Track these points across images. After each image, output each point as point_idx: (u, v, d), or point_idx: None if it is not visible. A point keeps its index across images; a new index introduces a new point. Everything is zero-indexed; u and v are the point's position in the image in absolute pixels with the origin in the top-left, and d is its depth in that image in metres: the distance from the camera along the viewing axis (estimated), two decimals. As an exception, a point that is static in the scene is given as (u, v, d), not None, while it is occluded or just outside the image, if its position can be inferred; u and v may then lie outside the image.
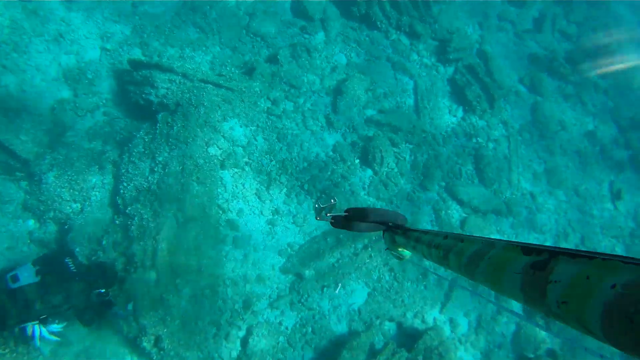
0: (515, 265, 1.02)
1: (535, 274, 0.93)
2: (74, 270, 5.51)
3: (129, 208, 7.18)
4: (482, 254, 1.20)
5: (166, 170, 7.53)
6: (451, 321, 8.39)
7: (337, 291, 6.95)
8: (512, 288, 1.01)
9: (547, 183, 10.70)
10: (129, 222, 7.09)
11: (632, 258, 0.76)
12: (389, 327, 7.91)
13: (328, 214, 2.22)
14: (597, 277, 0.77)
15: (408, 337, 7.87)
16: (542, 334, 8.80)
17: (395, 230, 2.06)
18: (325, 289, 7.75)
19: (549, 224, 10.19)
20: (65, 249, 6.29)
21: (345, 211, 2.18)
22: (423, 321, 8.17)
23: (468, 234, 8.98)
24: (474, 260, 1.23)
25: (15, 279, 5.19)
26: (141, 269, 6.82)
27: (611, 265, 0.77)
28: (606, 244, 10.52)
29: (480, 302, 8.70)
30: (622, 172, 11.88)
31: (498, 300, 7.86)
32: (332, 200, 2.24)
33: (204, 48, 9.34)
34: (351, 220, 2.14)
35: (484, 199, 9.50)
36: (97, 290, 5.71)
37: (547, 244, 9.74)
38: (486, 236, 8.48)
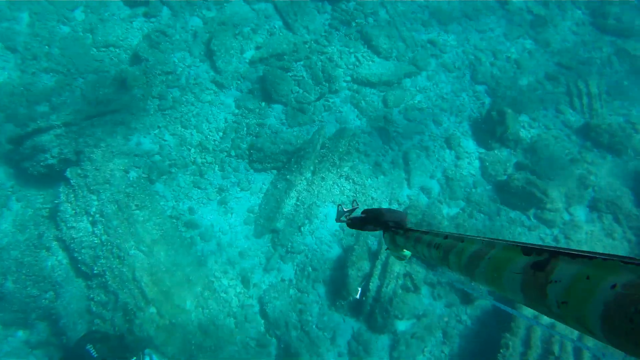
0: (515, 266, 1.03)
1: (535, 274, 0.94)
2: (96, 355, 5.72)
3: (95, 268, 7.27)
4: (482, 254, 1.22)
5: (105, 215, 7.56)
6: (422, 189, 8.84)
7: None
8: (512, 288, 1.02)
9: (438, 24, 10.90)
10: (104, 280, 7.22)
11: (632, 258, 0.77)
12: (373, 225, 8.33)
13: (347, 217, 2.24)
14: (597, 277, 0.78)
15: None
16: (505, 153, 9.30)
17: (395, 231, 2.09)
18: (302, 228, 8.09)
19: (459, 58, 10.50)
20: (82, 339, 6.37)
21: (362, 212, 2.22)
22: (399, 203, 8.63)
23: (399, 117, 9.29)
24: (474, 261, 1.25)
25: None
26: (140, 312, 7.05)
27: (611, 265, 0.78)
28: (516, 48, 10.96)
29: (439, 159, 9.15)
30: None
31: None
32: (353, 205, 2.26)
33: (68, 87, 8.98)
34: (367, 221, 2.18)
35: (391, 71, 9.72)
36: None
37: (467, 78, 10.13)
38: (426, 127, 8.61)
